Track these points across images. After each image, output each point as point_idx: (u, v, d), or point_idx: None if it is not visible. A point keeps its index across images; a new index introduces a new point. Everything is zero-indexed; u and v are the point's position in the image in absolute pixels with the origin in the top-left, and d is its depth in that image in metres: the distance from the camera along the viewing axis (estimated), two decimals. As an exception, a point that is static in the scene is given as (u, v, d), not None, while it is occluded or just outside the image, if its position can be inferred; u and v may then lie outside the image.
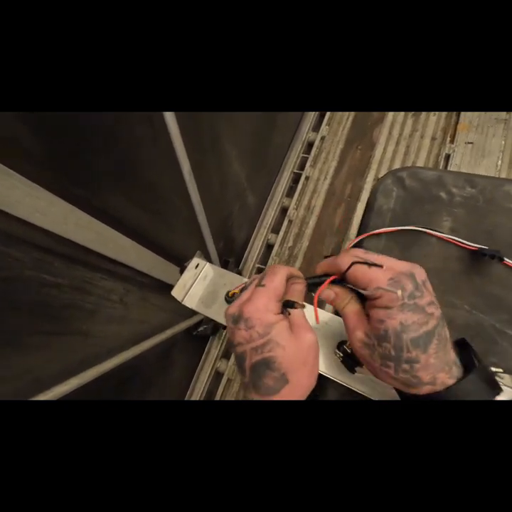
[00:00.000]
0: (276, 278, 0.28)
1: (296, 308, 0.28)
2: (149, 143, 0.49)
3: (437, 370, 0.25)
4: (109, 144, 0.42)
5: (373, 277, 0.25)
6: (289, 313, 0.28)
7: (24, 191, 0.31)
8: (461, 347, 0.27)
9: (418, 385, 0.25)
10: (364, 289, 0.26)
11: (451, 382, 0.24)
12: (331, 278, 0.29)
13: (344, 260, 0.27)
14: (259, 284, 0.28)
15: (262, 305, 0.26)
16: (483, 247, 0.39)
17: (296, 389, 0.26)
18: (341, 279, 0.29)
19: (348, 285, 0.29)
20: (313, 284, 0.30)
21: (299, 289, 0.30)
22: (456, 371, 0.25)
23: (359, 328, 0.27)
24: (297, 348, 0.26)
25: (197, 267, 0.46)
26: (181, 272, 0.45)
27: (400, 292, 0.25)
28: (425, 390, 0.25)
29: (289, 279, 0.29)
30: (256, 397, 0.26)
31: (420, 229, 0.41)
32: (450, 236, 0.40)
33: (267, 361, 0.25)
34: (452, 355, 0.25)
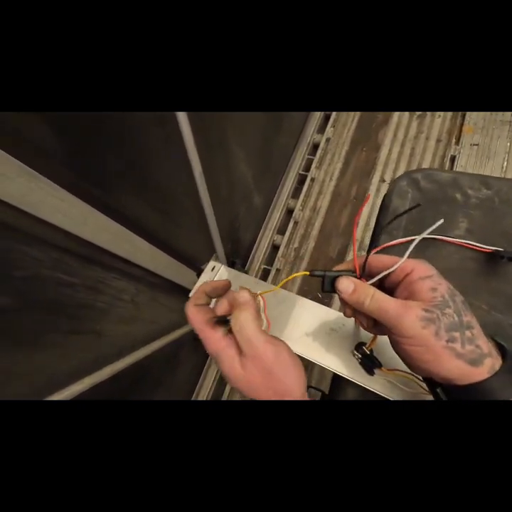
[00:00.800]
0: (192, 321, 0.28)
1: (228, 326, 0.27)
2: (162, 144, 0.49)
3: (487, 342, 0.24)
4: (124, 145, 0.42)
5: (396, 259, 0.27)
6: (230, 330, 0.26)
7: (47, 192, 0.31)
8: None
9: (482, 358, 0.24)
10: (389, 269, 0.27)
11: (498, 363, 0.24)
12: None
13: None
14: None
15: (206, 339, 0.27)
16: (498, 249, 0.39)
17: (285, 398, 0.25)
18: (359, 277, 0.29)
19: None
20: (331, 278, 0.29)
21: (242, 300, 0.28)
22: (496, 354, 0.25)
23: (411, 309, 0.24)
24: (250, 379, 0.25)
25: (213, 269, 0.47)
26: (198, 275, 0.46)
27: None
28: (487, 365, 0.24)
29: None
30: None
31: (434, 237, 0.41)
32: (465, 241, 0.40)
33: (240, 391, 0.26)
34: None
